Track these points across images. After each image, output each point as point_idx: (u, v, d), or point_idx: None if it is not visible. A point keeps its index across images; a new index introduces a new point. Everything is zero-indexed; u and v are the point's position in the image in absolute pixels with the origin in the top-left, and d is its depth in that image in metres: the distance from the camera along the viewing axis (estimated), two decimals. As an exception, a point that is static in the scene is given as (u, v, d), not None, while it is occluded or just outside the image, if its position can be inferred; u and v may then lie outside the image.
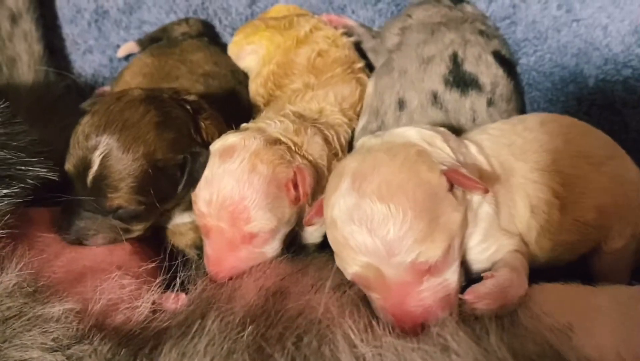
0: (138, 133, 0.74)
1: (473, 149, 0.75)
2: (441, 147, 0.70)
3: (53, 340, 0.60)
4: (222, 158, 0.75)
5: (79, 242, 0.76)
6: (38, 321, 0.61)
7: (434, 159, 0.66)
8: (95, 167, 0.72)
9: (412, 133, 0.71)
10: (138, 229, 0.79)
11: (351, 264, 0.65)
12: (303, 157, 0.81)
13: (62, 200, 0.75)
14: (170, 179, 0.77)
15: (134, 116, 0.75)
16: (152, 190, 0.74)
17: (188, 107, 0.81)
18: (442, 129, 0.76)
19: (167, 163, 0.76)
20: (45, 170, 0.73)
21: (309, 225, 0.79)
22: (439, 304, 0.64)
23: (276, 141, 0.79)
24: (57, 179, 0.74)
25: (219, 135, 0.81)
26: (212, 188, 0.74)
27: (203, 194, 0.75)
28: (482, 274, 0.67)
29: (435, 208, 0.63)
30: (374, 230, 0.61)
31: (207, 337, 0.62)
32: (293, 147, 0.80)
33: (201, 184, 0.76)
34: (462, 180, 0.65)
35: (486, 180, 0.71)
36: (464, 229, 0.68)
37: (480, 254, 0.71)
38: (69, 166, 0.75)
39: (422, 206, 0.62)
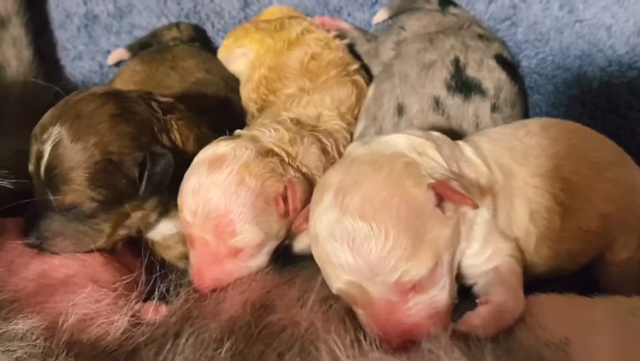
0: (90, 122, 0.72)
1: (469, 151, 0.72)
2: (432, 156, 0.67)
3: (17, 359, 0.57)
4: (210, 168, 0.72)
5: (41, 246, 0.73)
6: (0, 339, 0.58)
7: (422, 172, 0.64)
8: (45, 157, 0.70)
9: (401, 141, 0.68)
10: (101, 232, 0.75)
11: (335, 281, 0.64)
12: (297, 169, 0.78)
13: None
14: (128, 177, 0.73)
15: (88, 106, 0.73)
16: (106, 186, 0.72)
17: (155, 105, 0.78)
18: (435, 133, 0.73)
19: (123, 158, 0.72)
20: None
21: (298, 231, 0.76)
22: (427, 321, 0.62)
23: (269, 152, 0.76)
24: (11, 187, 0.72)
25: (194, 138, 0.79)
26: (199, 198, 0.72)
27: (189, 203, 0.72)
28: (476, 300, 0.64)
29: (421, 225, 0.61)
30: (355, 249, 0.60)
31: (180, 356, 0.60)
32: (286, 159, 0.78)
33: (188, 192, 0.73)
34: (450, 194, 0.62)
35: (483, 185, 0.68)
36: (455, 244, 0.65)
37: (476, 258, 0.69)
38: (29, 165, 0.73)
39: (405, 224, 0.60)
